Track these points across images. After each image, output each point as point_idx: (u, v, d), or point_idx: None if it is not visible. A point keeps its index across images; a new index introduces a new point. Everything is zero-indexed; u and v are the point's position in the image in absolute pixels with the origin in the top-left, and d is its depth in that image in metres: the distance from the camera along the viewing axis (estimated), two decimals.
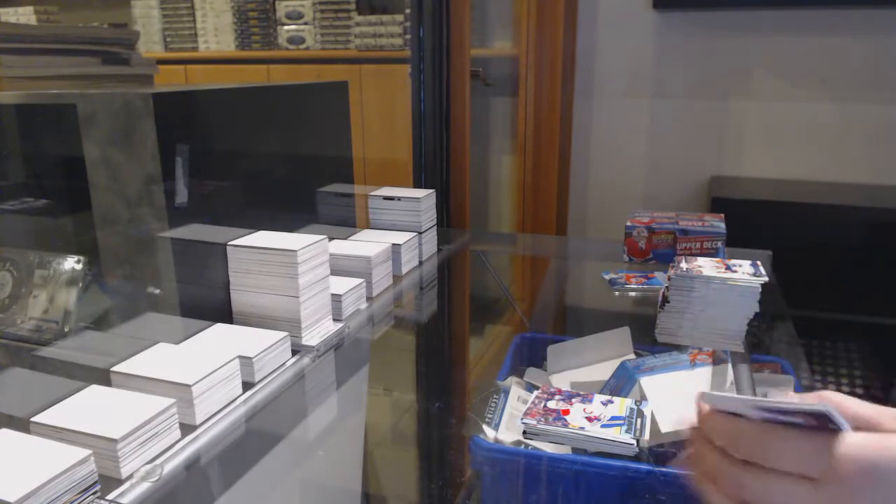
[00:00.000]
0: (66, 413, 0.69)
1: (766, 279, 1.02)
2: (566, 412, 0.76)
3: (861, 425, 0.42)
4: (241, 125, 1.05)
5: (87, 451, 0.61)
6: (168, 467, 0.69)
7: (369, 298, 1.13)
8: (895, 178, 2.12)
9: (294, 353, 0.93)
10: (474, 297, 1.48)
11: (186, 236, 0.91)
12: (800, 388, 0.98)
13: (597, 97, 2.39)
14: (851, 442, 0.40)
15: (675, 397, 0.82)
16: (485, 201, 2.66)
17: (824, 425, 0.41)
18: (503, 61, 2.49)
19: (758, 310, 1.00)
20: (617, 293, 1.29)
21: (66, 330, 0.92)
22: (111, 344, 0.93)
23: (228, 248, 0.95)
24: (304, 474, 0.84)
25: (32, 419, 0.68)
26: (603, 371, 0.95)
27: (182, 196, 0.90)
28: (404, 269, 1.26)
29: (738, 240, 1.40)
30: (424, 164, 1.71)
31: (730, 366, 0.86)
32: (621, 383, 0.89)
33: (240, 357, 0.82)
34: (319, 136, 1.27)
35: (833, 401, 0.43)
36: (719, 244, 1.34)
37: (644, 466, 0.73)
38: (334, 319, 1.02)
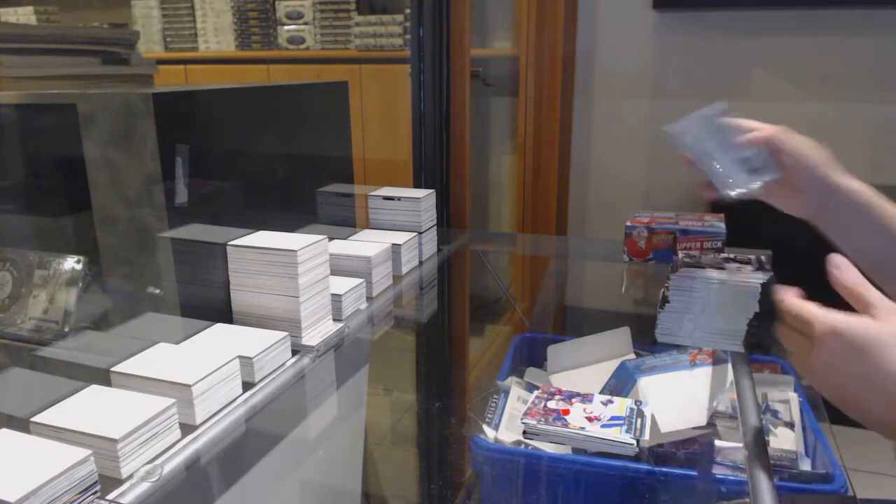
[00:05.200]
0: (66, 413, 0.69)
1: (771, 273, 1.02)
2: (566, 412, 0.76)
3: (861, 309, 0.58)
4: (241, 125, 1.05)
5: (87, 451, 0.61)
6: (168, 467, 0.69)
7: (369, 298, 1.13)
8: (895, 178, 2.12)
9: (294, 353, 0.93)
10: (474, 297, 1.48)
11: (186, 236, 0.91)
12: (799, 388, 0.98)
13: (597, 97, 2.39)
14: (838, 318, 0.56)
15: (675, 397, 0.82)
16: (485, 201, 2.66)
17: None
18: (503, 61, 2.49)
19: (758, 310, 1.00)
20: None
21: (66, 330, 0.92)
22: (111, 344, 0.93)
23: (228, 248, 0.95)
24: (304, 474, 0.84)
25: (32, 419, 0.68)
26: (603, 371, 0.95)
27: (182, 196, 0.90)
28: (404, 269, 1.26)
29: (738, 240, 1.40)
30: (424, 164, 1.70)
31: (730, 366, 0.87)
32: (621, 383, 0.89)
33: (240, 357, 0.82)
34: (319, 136, 1.27)
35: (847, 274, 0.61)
36: (719, 244, 1.33)
37: (644, 466, 0.73)
38: (334, 319, 1.02)
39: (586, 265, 1.63)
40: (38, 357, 0.90)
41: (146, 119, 0.84)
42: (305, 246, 0.92)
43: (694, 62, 2.24)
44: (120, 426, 0.66)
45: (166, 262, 0.89)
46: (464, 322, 1.37)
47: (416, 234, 1.31)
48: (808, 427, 0.90)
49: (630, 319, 1.08)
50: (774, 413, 0.93)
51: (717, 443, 0.79)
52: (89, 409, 0.70)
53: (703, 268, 1.05)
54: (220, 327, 0.92)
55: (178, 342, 0.86)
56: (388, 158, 2.77)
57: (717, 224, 1.37)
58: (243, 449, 0.77)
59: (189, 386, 0.74)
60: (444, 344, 1.26)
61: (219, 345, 0.87)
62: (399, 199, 1.33)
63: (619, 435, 0.72)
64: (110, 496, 0.63)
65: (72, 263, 0.94)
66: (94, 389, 0.74)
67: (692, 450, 0.79)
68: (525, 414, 0.76)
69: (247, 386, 0.84)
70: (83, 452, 0.61)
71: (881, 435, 0.56)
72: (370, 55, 2.84)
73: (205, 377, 0.76)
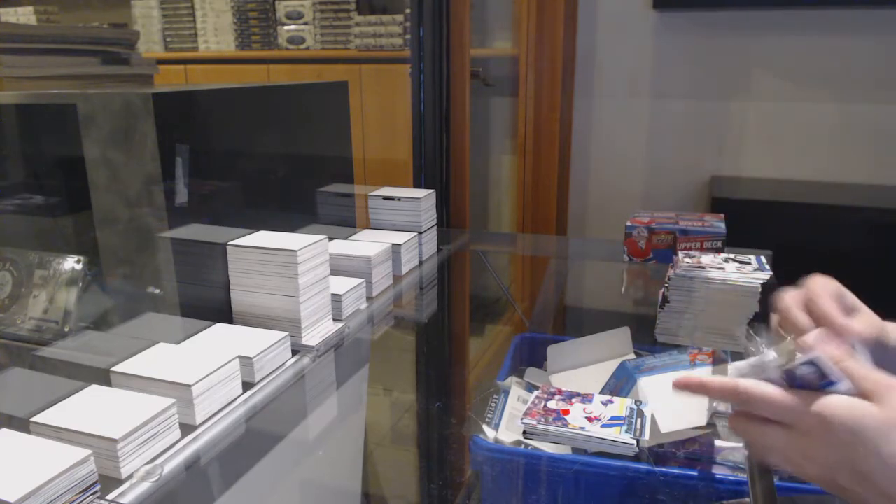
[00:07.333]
0: (66, 413, 0.69)
1: (770, 273, 1.02)
2: (566, 412, 0.76)
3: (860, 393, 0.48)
4: (241, 125, 1.05)
5: (87, 451, 0.61)
6: (168, 467, 0.69)
7: (369, 298, 1.13)
8: (895, 178, 2.12)
9: (294, 353, 0.93)
10: (474, 297, 1.48)
11: (186, 236, 0.91)
12: None
13: (597, 97, 2.39)
14: (830, 402, 0.47)
15: (675, 397, 0.82)
16: (485, 201, 2.66)
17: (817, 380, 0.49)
18: (503, 61, 2.49)
19: (758, 310, 1.00)
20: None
21: (66, 330, 0.92)
22: (111, 344, 0.93)
23: (228, 248, 0.95)
24: (304, 474, 0.84)
25: (32, 419, 0.68)
26: (603, 371, 0.95)
27: (182, 196, 0.90)
28: (404, 269, 1.26)
29: (738, 240, 1.40)
30: (424, 164, 1.71)
31: (730, 366, 0.86)
32: (621, 383, 0.89)
33: (240, 357, 0.82)
34: (319, 136, 1.27)
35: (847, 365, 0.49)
36: (719, 244, 1.33)
37: (644, 466, 0.73)
38: (334, 319, 1.02)
39: (586, 265, 1.63)
40: (38, 357, 0.90)
41: (146, 119, 0.84)
42: (305, 246, 0.92)
43: (694, 62, 2.24)
44: (120, 426, 0.66)
45: (166, 262, 0.89)
46: (464, 322, 1.37)
47: (416, 234, 1.31)
48: None
49: (630, 319, 1.08)
50: None
51: (717, 443, 0.79)
52: (89, 409, 0.70)
53: (703, 268, 1.05)
54: (220, 327, 0.92)
55: (178, 342, 0.86)
56: (388, 158, 2.77)
57: (717, 224, 1.37)
58: (243, 449, 0.76)
59: (189, 386, 0.74)
60: (444, 344, 1.26)
61: (219, 345, 0.87)
62: (399, 199, 1.33)
63: (619, 435, 0.72)
64: (110, 496, 0.63)
65: (72, 263, 0.94)
66: (94, 389, 0.74)
67: (692, 450, 0.78)
68: (525, 414, 0.76)
69: (247, 386, 0.84)
70: (83, 452, 0.61)
71: None
72: (370, 55, 2.84)
73: (205, 377, 0.76)
